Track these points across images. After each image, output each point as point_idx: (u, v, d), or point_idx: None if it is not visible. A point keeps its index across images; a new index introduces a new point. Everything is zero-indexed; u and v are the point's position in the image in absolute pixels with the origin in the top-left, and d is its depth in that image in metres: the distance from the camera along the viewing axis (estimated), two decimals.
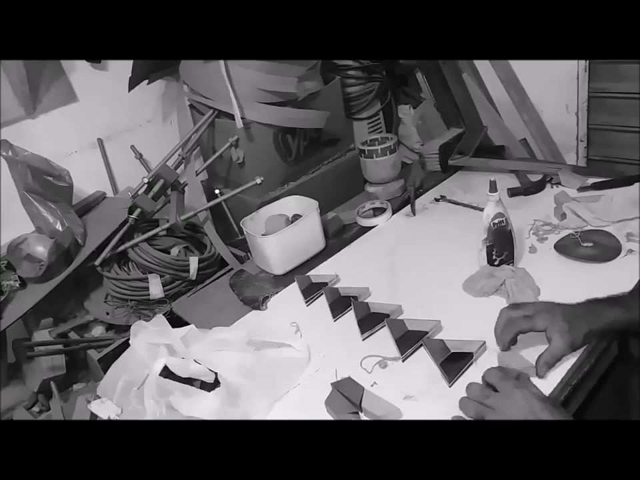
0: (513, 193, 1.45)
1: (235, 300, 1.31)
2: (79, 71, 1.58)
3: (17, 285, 1.35)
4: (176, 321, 1.24)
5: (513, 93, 1.93)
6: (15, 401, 1.26)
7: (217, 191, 1.65)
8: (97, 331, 1.43)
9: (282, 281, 1.33)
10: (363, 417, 0.88)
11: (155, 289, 1.40)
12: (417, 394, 0.90)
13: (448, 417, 0.83)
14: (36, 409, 1.28)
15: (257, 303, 1.25)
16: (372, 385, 0.94)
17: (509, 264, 1.13)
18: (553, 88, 1.84)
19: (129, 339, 1.03)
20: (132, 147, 1.71)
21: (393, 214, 1.52)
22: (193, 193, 1.60)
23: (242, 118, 1.49)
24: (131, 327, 1.03)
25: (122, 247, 1.45)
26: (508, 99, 1.94)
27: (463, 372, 0.91)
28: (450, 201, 1.53)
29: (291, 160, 1.64)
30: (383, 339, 1.04)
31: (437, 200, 1.55)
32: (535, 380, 0.84)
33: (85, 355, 1.34)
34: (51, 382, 1.24)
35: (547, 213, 1.32)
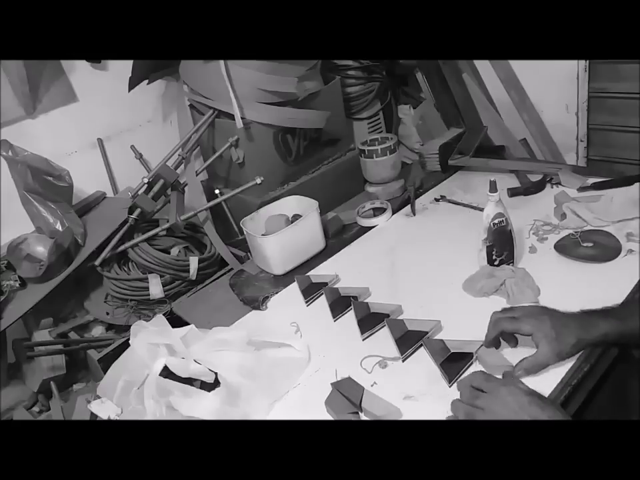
0: (512, 192, 1.45)
1: (235, 300, 1.31)
2: (78, 70, 1.58)
3: (17, 285, 1.35)
4: (176, 321, 1.24)
5: (513, 93, 1.93)
6: (15, 400, 1.26)
7: (217, 191, 1.65)
8: (97, 331, 1.43)
9: (282, 280, 1.33)
10: (363, 416, 0.88)
11: (155, 288, 1.40)
12: (417, 394, 0.90)
13: (448, 417, 0.83)
14: (36, 408, 1.28)
15: (256, 303, 1.25)
16: (372, 385, 0.94)
17: (509, 264, 1.13)
18: (553, 88, 1.84)
19: (128, 339, 1.03)
20: (132, 147, 1.71)
21: (393, 214, 1.52)
22: (193, 193, 1.60)
23: (242, 118, 1.49)
24: (131, 327, 1.03)
25: (122, 247, 1.45)
26: (508, 99, 1.94)
27: (463, 372, 0.91)
28: (450, 201, 1.53)
29: (291, 160, 1.64)
30: (383, 339, 1.04)
31: (436, 200, 1.55)
32: (534, 379, 0.84)
33: (85, 355, 1.34)
34: (51, 382, 1.24)
35: (547, 213, 1.33)
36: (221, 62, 1.45)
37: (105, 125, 1.67)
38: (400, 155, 1.62)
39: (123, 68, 1.59)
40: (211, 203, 1.53)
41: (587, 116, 1.82)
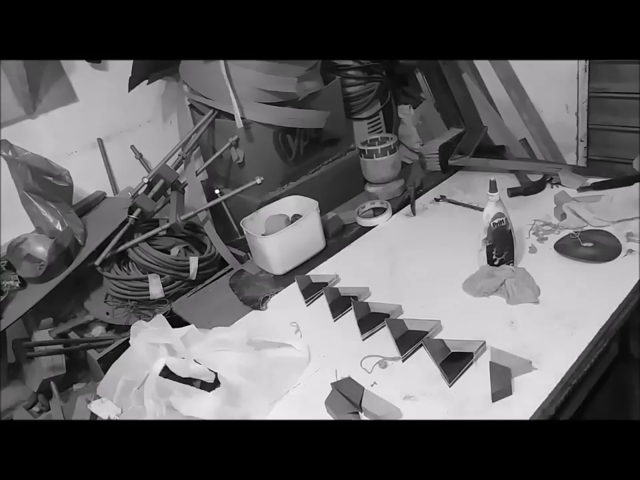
0: (512, 193, 1.45)
1: (235, 300, 1.31)
2: (78, 70, 1.58)
3: (17, 285, 1.35)
4: (176, 321, 1.24)
5: (513, 93, 1.93)
6: (15, 400, 1.26)
7: (217, 191, 1.65)
8: (97, 331, 1.43)
9: (282, 280, 1.33)
10: (363, 416, 0.88)
11: (155, 288, 1.40)
12: (417, 394, 0.90)
13: (448, 417, 0.83)
14: (36, 408, 1.28)
15: (257, 303, 1.25)
16: (372, 385, 0.94)
17: (508, 264, 1.13)
18: (553, 88, 1.84)
19: (128, 339, 1.03)
20: (132, 147, 1.71)
21: (393, 214, 1.52)
22: (193, 193, 1.60)
23: (242, 118, 1.49)
24: (131, 327, 1.03)
25: (122, 247, 1.45)
26: (508, 99, 1.94)
27: (463, 372, 0.91)
28: (450, 201, 1.53)
29: (291, 160, 1.64)
30: (383, 339, 1.04)
31: (436, 200, 1.55)
32: (535, 379, 0.84)
33: (85, 355, 1.34)
34: (51, 382, 1.24)
35: (547, 213, 1.32)
36: (221, 62, 1.45)
37: (105, 125, 1.67)
38: (400, 155, 1.62)
39: (123, 68, 1.59)
40: (211, 203, 1.53)
41: (586, 116, 1.81)
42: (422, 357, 0.97)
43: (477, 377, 0.90)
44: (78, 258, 1.39)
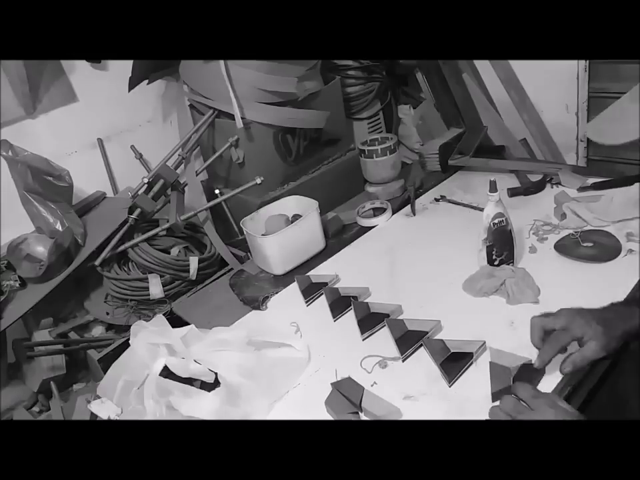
0: (512, 193, 1.45)
1: (235, 300, 1.31)
2: (78, 70, 1.58)
3: (17, 285, 1.35)
4: (176, 321, 1.24)
5: (513, 93, 1.93)
6: (15, 400, 1.26)
7: (217, 191, 1.65)
8: (97, 331, 1.43)
9: (282, 280, 1.33)
10: (363, 416, 0.88)
11: (155, 289, 1.40)
12: (417, 394, 0.90)
13: (448, 417, 0.83)
14: (36, 408, 1.28)
15: (256, 303, 1.25)
16: (372, 385, 0.94)
17: (508, 264, 1.13)
18: (553, 88, 1.84)
19: (128, 339, 1.03)
20: (132, 147, 1.71)
21: (393, 214, 1.52)
22: (193, 193, 1.60)
23: (242, 118, 1.49)
24: (131, 327, 1.03)
25: (122, 247, 1.45)
26: (508, 99, 1.94)
27: (463, 372, 0.91)
28: (450, 201, 1.53)
29: (291, 160, 1.64)
30: (383, 339, 1.04)
31: (436, 200, 1.55)
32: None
33: (85, 355, 1.34)
34: (51, 382, 1.24)
35: (547, 213, 1.33)
36: (221, 62, 1.45)
37: (105, 125, 1.67)
38: (400, 155, 1.62)
39: (123, 68, 1.59)
40: (211, 203, 1.53)
41: (586, 116, 1.81)
42: (422, 357, 0.97)
43: (477, 376, 0.90)
44: (78, 258, 1.39)
